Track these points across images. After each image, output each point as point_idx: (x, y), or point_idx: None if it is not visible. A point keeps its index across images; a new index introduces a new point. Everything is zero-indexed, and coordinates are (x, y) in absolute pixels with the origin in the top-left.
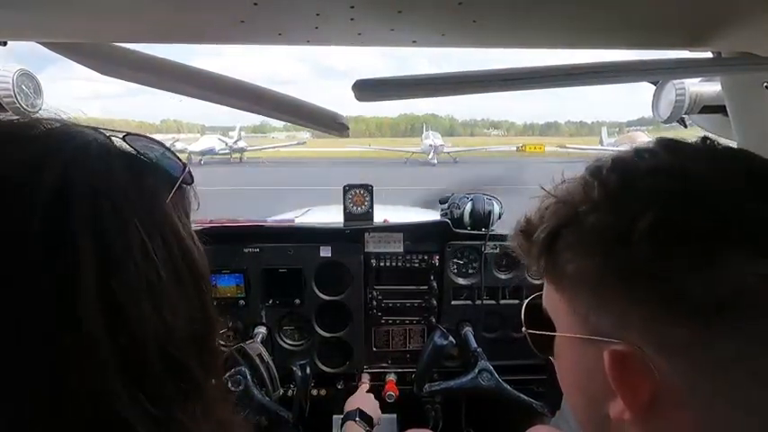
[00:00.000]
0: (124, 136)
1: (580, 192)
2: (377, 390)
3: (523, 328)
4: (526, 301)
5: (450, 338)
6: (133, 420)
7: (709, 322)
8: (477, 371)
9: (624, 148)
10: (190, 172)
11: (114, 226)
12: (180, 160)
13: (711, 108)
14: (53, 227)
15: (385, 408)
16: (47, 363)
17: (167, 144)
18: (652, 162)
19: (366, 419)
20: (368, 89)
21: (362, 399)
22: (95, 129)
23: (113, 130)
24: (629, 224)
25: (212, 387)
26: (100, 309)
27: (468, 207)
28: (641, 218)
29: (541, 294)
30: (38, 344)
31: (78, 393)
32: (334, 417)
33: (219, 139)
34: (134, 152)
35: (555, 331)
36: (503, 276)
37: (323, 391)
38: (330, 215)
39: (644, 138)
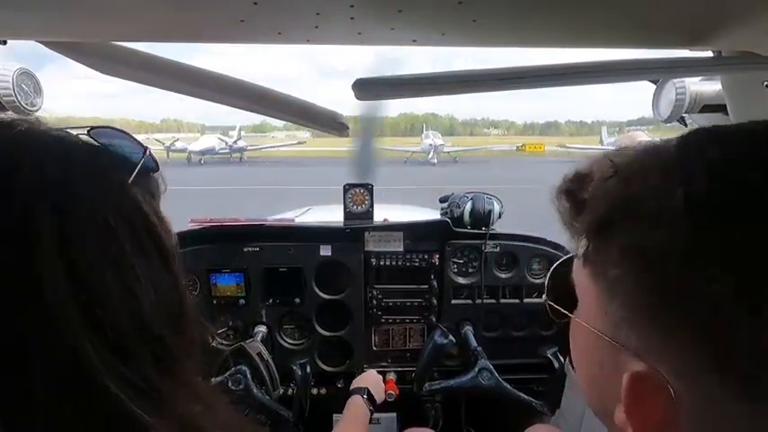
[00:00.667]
0: (88, 131)
1: (656, 188)
2: None
3: (544, 296)
4: (553, 267)
5: (451, 337)
6: (114, 389)
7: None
8: (476, 370)
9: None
10: (153, 159)
11: (74, 210)
12: (141, 146)
13: (712, 107)
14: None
15: (385, 407)
16: (31, 343)
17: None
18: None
19: (372, 399)
20: (368, 88)
21: (372, 379)
22: (60, 129)
23: (82, 127)
24: (702, 272)
25: (192, 365)
26: (69, 290)
27: (469, 206)
28: (722, 276)
29: (569, 263)
30: (29, 328)
31: (57, 368)
32: (335, 416)
33: (219, 138)
34: (97, 144)
35: (576, 305)
36: (503, 275)
37: (323, 390)
38: (330, 214)
39: (644, 137)
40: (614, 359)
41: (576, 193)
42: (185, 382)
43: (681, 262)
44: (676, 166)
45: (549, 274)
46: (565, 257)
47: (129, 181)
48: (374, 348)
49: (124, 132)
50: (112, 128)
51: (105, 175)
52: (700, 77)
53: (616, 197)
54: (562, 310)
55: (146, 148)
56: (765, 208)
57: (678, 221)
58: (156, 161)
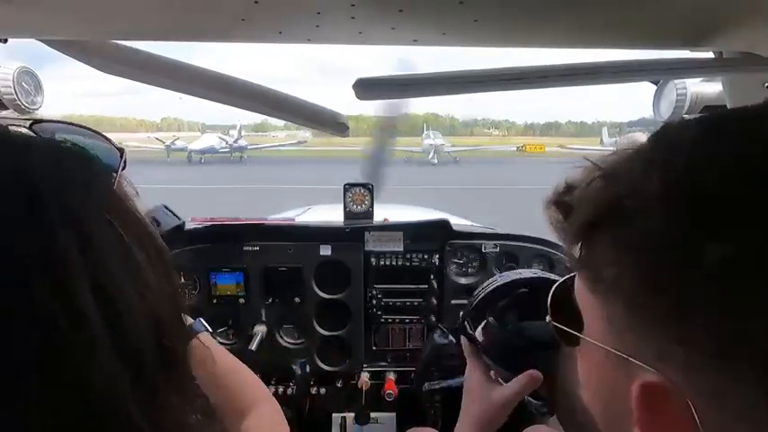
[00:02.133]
0: (30, 125)
1: (635, 175)
2: (376, 388)
3: (548, 317)
4: (555, 285)
5: (450, 337)
6: (132, 410)
7: None
8: None
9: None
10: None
11: (83, 217)
12: (113, 144)
13: (712, 108)
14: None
15: (384, 406)
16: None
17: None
18: (745, 147)
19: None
20: (368, 88)
21: None
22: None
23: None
24: (693, 247)
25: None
26: (93, 300)
27: None
28: (712, 245)
29: (573, 278)
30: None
31: (79, 384)
32: (334, 415)
33: (220, 137)
34: (76, 147)
35: (583, 326)
36: None
37: (322, 390)
38: (330, 214)
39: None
40: (625, 374)
41: (566, 201)
42: (190, 390)
43: (671, 257)
44: (653, 154)
45: (550, 294)
46: (565, 277)
47: (114, 185)
48: (374, 348)
49: (91, 130)
50: (77, 125)
51: (97, 178)
52: (700, 78)
53: (602, 196)
54: (566, 328)
55: (122, 150)
56: (755, 177)
57: (658, 206)
58: (126, 161)
